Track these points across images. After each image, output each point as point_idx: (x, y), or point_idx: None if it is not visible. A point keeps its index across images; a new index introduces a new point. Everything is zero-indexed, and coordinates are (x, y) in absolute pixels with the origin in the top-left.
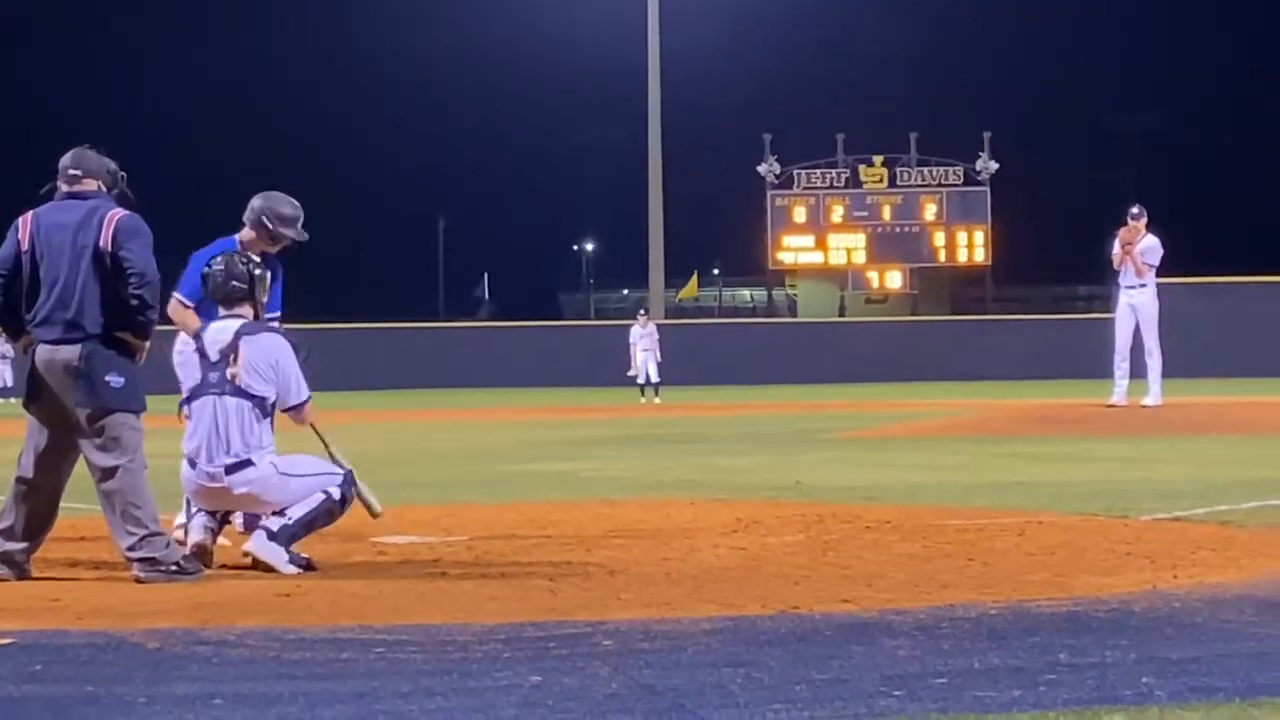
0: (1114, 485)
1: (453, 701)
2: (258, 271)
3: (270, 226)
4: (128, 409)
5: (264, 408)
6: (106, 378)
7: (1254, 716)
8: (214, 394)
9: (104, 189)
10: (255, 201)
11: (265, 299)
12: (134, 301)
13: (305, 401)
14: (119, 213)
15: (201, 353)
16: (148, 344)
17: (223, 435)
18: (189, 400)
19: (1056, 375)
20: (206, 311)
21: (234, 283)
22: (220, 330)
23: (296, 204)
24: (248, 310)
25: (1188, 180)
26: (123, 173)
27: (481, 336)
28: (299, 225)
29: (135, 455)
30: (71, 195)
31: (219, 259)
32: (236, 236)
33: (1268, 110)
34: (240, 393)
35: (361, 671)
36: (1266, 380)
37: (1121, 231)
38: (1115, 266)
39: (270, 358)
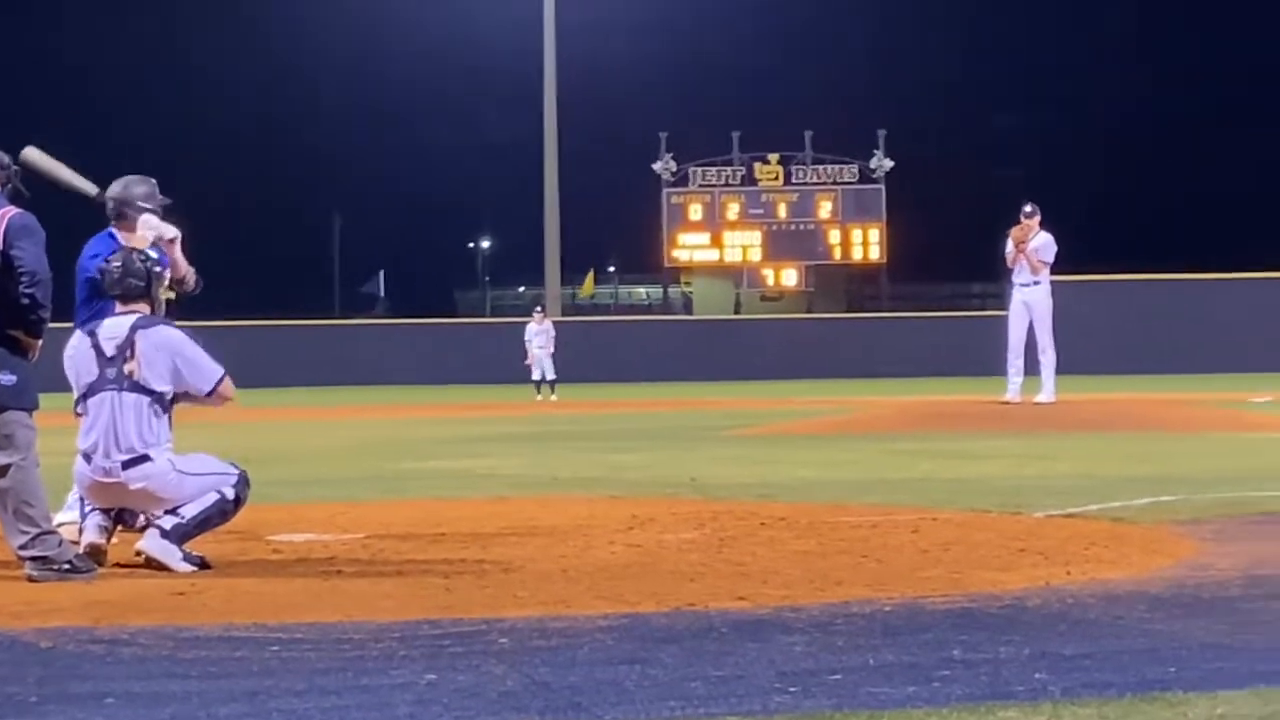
0: (1007, 482)
1: (347, 700)
2: (155, 269)
3: (133, 214)
4: (20, 407)
5: (162, 403)
6: None
7: (1146, 711)
8: (111, 390)
9: None
10: (114, 192)
11: (163, 296)
12: (25, 300)
13: (221, 378)
14: (10, 211)
15: (97, 349)
16: (40, 342)
17: (120, 431)
18: (85, 397)
19: (951, 372)
20: (101, 309)
21: (131, 279)
22: (115, 326)
23: (144, 177)
24: (144, 307)
25: (1080, 177)
26: (15, 167)
27: (377, 333)
28: (156, 194)
29: (28, 453)
30: None
31: (117, 256)
32: (113, 230)
33: (1160, 108)
34: (138, 388)
35: (256, 670)
36: (1159, 377)
37: (1014, 230)
38: (1009, 265)
39: (169, 350)
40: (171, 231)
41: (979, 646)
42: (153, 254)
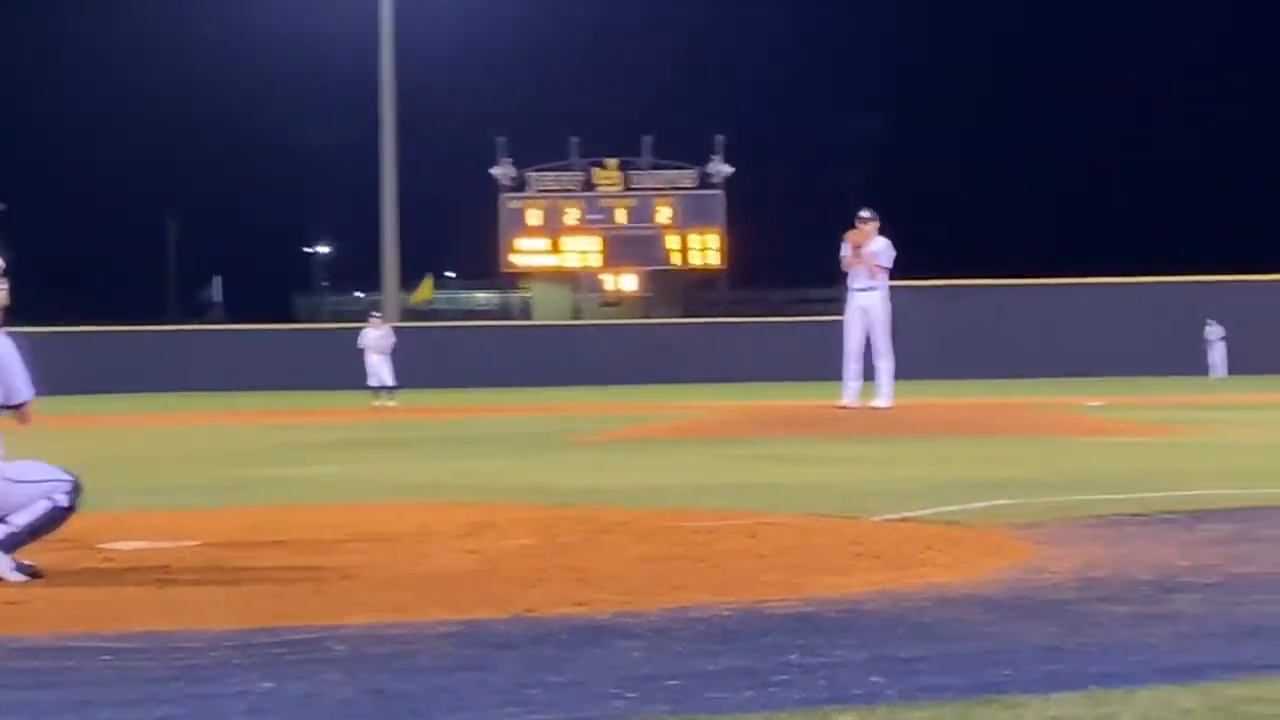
0: (845, 486)
1: (181, 709)
2: None
3: None
4: None
5: None
6: None
7: (981, 714)
8: None
9: None
10: None
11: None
12: None
13: (28, 401)
14: None
15: None
16: None
17: None
18: None
19: (789, 377)
20: None
21: None
22: None
23: None
24: None
25: (919, 182)
26: None
27: (213, 339)
28: None
29: None
30: None
31: None
32: None
33: (1000, 113)
34: None
35: (88, 679)
36: (995, 382)
37: (851, 234)
38: (845, 269)
39: None
40: None
41: (816, 650)
42: None
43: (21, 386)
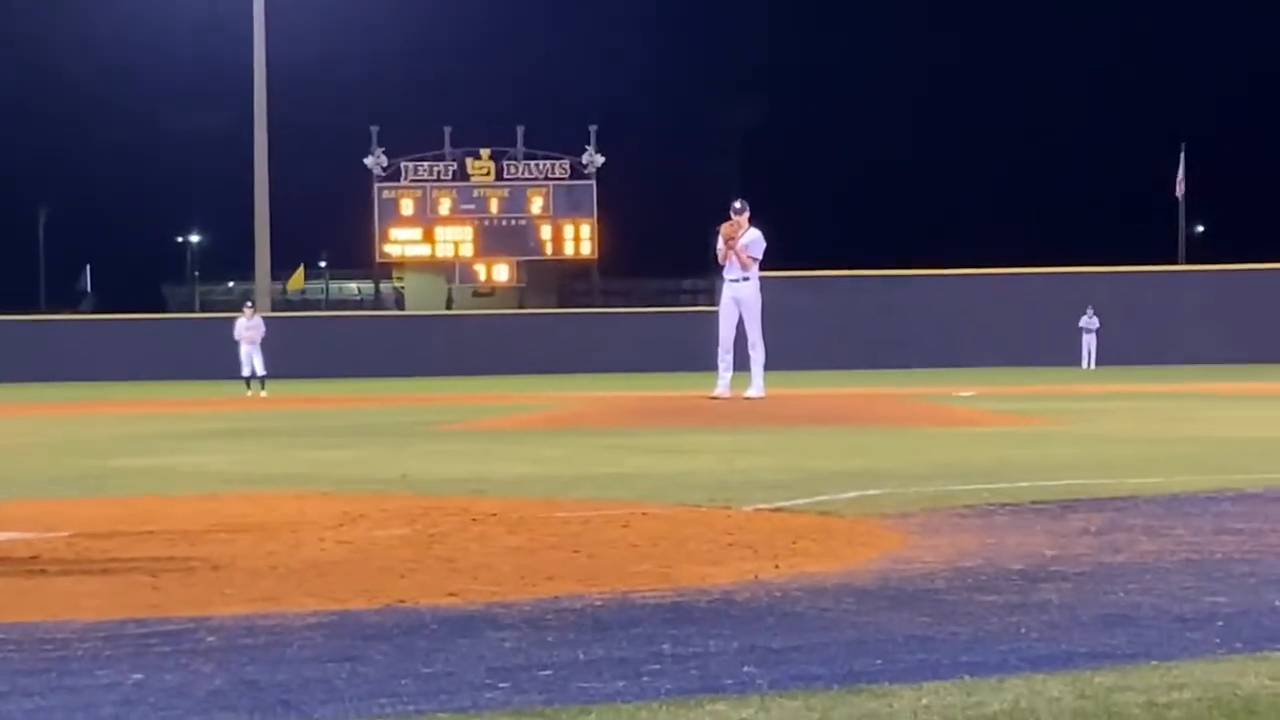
0: (717, 476)
1: (51, 701)
2: None
3: None
4: None
5: None
6: None
7: (852, 703)
8: None
9: None
10: None
11: None
12: None
13: None
14: None
15: None
16: None
17: None
18: None
19: (660, 368)
20: None
21: None
22: None
23: None
24: None
25: (792, 173)
26: None
27: (83, 329)
28: None
29: None
30: None
31: None
32: None
33: (870, 105)
34: None
35: None
36: (866, 372)
37: (724, 226)
38: (720, 261)
39: None
40: None
41: (688, 640)
42: None
43: None
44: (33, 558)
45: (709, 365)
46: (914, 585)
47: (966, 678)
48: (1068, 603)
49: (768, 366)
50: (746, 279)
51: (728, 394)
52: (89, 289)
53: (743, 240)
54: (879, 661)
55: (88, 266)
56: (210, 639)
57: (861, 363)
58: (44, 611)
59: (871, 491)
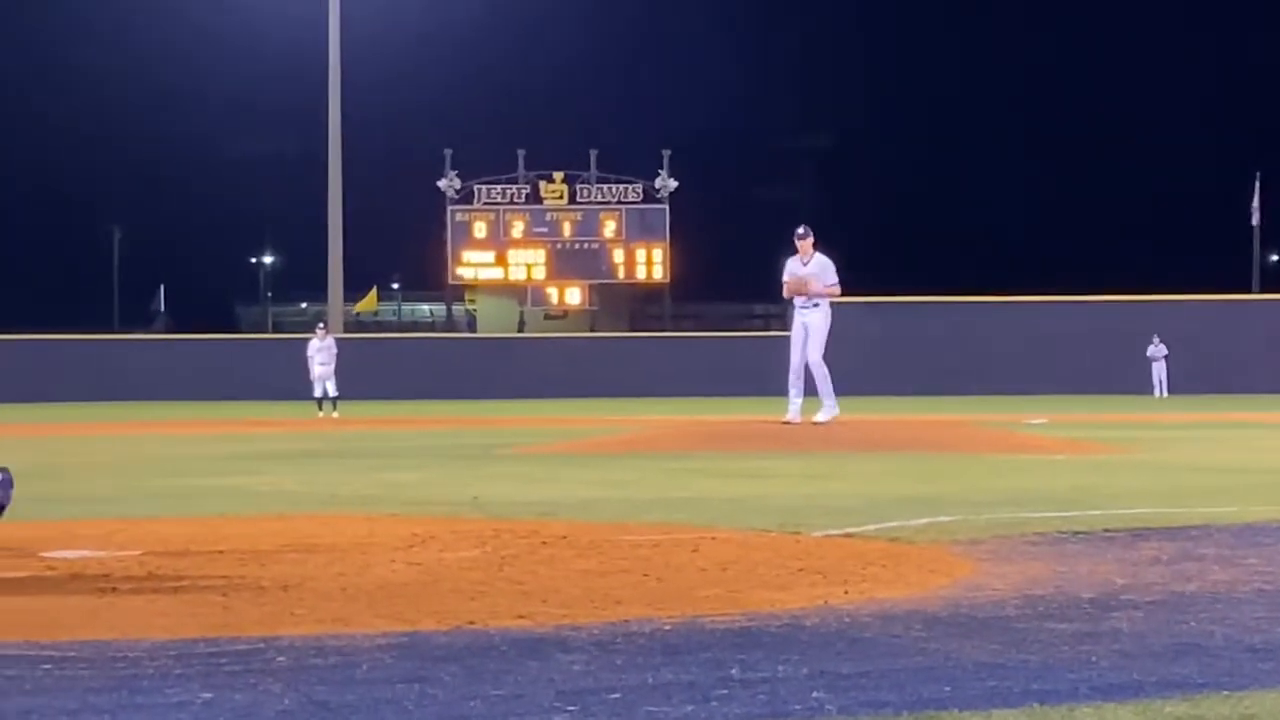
0: (787, 501)
1: (121, 719)
2: None
3: None
4: None
5: None
6: None
7: None
8: None
9: None
10: None
11: None
12: None
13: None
14: None
15: None
16: None
17: None
18: None
19: (731, 392)
20: None
21: None
22: None
23: None
24: None
25: (863, 199)
26: None
27: (157, 349)
28: None
29: None
30: None
31: None
32: None
33: (942, 133)
34: None
35: (28, 689)
36: (937, 399)
37: (790, 263)
38: (786, 295)
39: None
40: None
41: (757, 665)
42: None
43: None
44: (104, 575)
45: (779, 390)
46: (984, 612)
47: (1036, 706)
48: (1139, 631)
49: (838, 392)
50: (817, 305)
51: (799, 419)
52: (163, 309)
53: (810, 270)
54: (948, 688)
55: (161, 287)
56: (280, 659)
57: (931, 389)
58: (115, 629)
59: (942, 518)
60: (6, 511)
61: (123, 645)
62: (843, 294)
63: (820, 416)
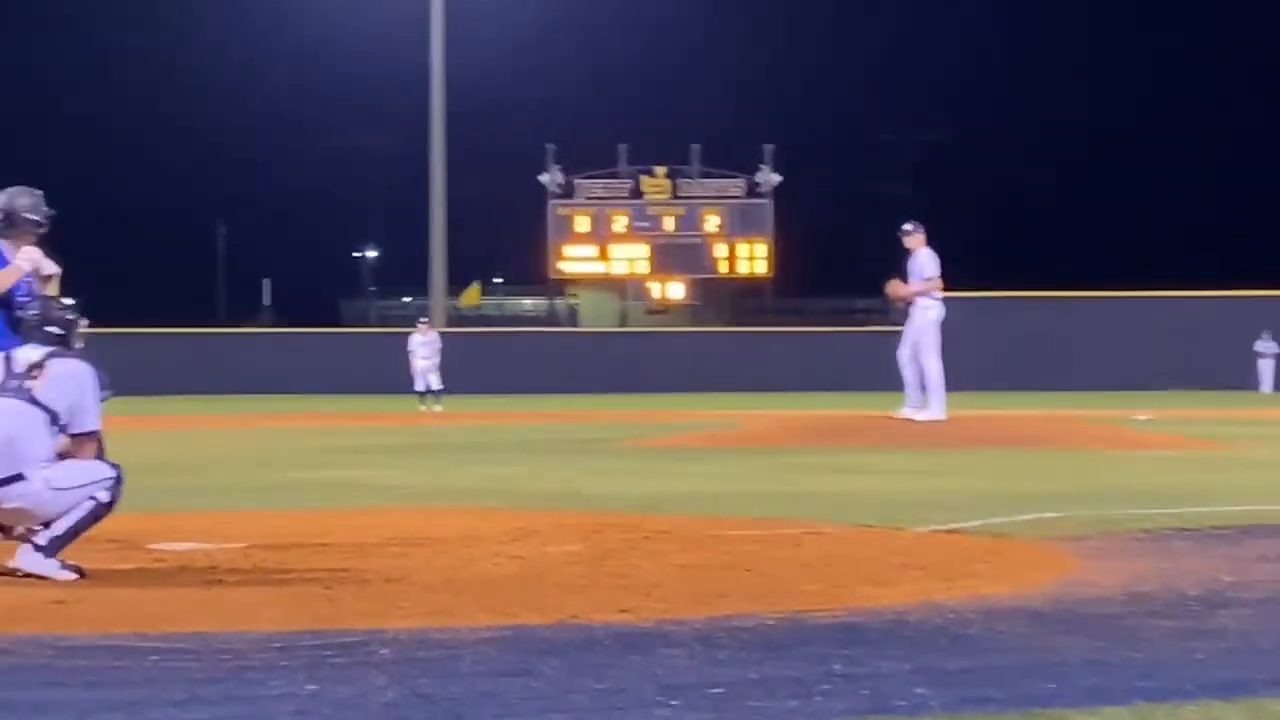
0: (890, 496)
1: (227, 710)
2: (70, 317)
3: (20, 222)
4: None
5: (56, 421)
6: None
7: None
8: (7, 395)
9: None
10: None
11: (79, 345)
12: None
13: (93, 433)
14: None
15: (8, 362)
16: None
17: (1, 440)
18: None
19: (833, 387)
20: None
21: (49, 327)
22: (31, 350)
23: (28, 188)
24: (59, 350)
25: (968, 193)
26: None
27: (261, 342)
28: (41, 206)
29: None
30: None
31: (35, 305)
32: None
33: (1047, 125)
34: (35, 403)
35: (136, 679)
36: (1040, 394)
37: (892, 286)
38: (890, 298)
39: (76, 382)
40: (51, 268)
41: (860, 661)
42: (69, 301)
43: (92, 418)
44: (211, 568)
45: (880, 385)
46: (1089, 609)
47: (1142, 703)
48: (1245, 629)
49: (946, 387)
50: (915, 303)
51: (906, 415)
52: (267, 302)
53: (910, 267)
54: (1053, 685)
55: (267, 280)
56: (384, 651)
57: (1035, 384)
58: (221, 622)
59: (1046, 514)
60: (116, 508)
61: (228, 637)
62: (952, 289)
63: (925, 414)
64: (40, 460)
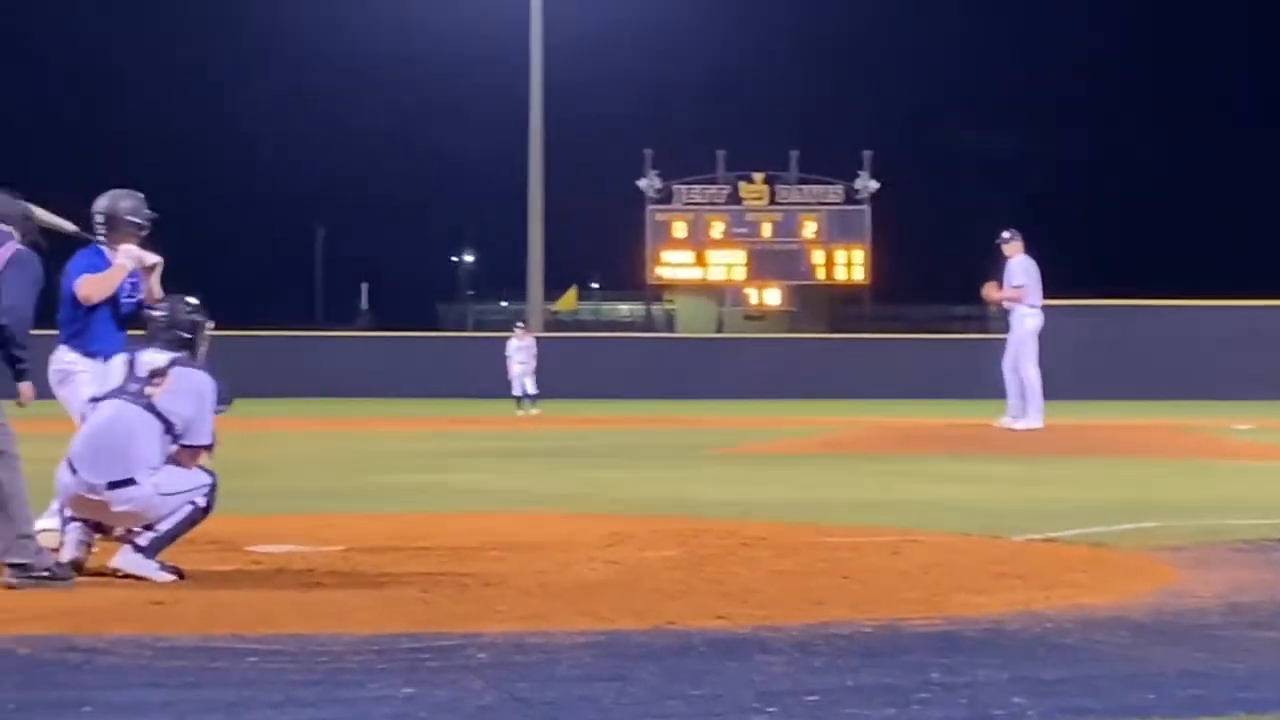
0: (989, 505)
1: (325, 712)
2: (197, 318)
3: (122, 225)
4: None
5: (171, 430)
6: None
7: None
8: (125, 399)
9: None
10: (101, 207)
11: (205, 348)
12: None
13: (207, 446)
14: (18, 247)
15: (131, 366)
16: (25, 387)
17: (117, 443)
18: (96, 400)
19: (931, 394)
20: (87, 325)
21: (175, 330)
22: (156, 355)
23: (130, 191)
24: (184, 356)
25: (1067, 201)
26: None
27: (360, 346)
28: (143, 209)
29: (11, 449)
30: None
31: (164, 303)
32: (101, 246)
33: (1147, 133)
34: (152, 409)
35: (234, 680)
36: (1142, 403)
37: (988, 288)
38: (986, 300)
39: (197, 394)
40: (152, 258)
41: (958, 669)
42: (192, 300)
43: (207, 430)
44: (309, 570)
45: (978, 393)
46: (1188, 619)
47: (1241, 715)
48: None
49: (1045, 396)
50: (1030, 307)
51: (1006, 424)
52: (366, 306)
53: (1007, 274)
54: (1152, 696)
55: (365, 284)
56: (481, 655)
57: (1135, 393)
58: (318, 624)
59: (1146, 524)
60: (211, 513)
61: (326, 639)
62: (1048, 298)
63: (1023, 423)
64: (152, 466)
